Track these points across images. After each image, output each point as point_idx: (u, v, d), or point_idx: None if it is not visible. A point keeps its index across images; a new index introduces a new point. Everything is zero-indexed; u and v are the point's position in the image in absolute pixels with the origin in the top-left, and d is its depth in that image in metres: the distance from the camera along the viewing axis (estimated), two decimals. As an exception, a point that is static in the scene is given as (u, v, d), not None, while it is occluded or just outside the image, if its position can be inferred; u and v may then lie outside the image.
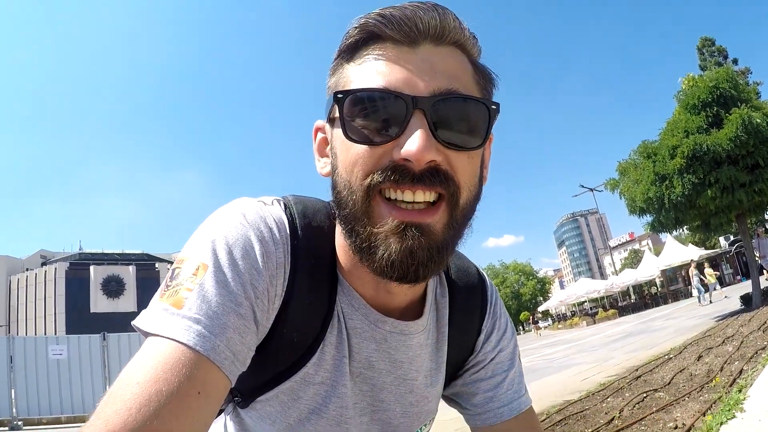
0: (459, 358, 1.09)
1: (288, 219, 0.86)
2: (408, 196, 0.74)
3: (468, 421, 1.12)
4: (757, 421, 3.57)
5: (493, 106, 0.79)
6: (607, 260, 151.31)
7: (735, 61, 44.30)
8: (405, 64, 0.75)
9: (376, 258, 0.76)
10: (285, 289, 0.82)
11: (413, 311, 0.98)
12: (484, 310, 1.10)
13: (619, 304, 41.95)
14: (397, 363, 0.96)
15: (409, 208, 0.75)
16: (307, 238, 0.86)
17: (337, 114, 0.78)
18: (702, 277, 21.43)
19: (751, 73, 43.66)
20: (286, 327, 0.83)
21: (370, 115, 0.74)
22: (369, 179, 0.75)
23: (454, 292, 1.06)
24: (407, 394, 0.99)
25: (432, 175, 0.74)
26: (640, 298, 41.77)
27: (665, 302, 35.32)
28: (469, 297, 1.07)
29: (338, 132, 0.78)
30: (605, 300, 45.67)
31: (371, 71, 0.76)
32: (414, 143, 0.71)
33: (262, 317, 0.77)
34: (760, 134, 12.20)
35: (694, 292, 22.25)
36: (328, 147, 0.86)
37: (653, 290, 43.95)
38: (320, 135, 0.92)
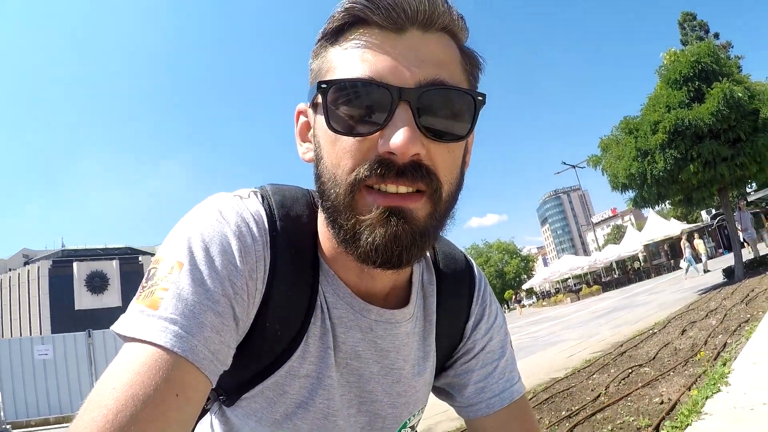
0: (448, 346, 1.08)
1: (266, 210, 0.85)
2: (391, 188, 0.74)
3: (460, 413, 1.11)
4: (742, 394, 3.62)
5: (480, 97, 0.78)
6: (590, 236, 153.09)
7: (716, 36, 44.72)
8: (391, 51, 0.74)
9: (360, 244, 0.75)
10: (266, 283, 0.81)
11: (400, 299, 0.97)
12: (472, 296, 1.09)
13: (603, 280, 42.60)
14: (383, 352, 0.95)
15: (390, 192, 0.75)
16: (287, 229, 0.86)
17: (320, 101, 0.76)
18: (693, 249, 21.97)
19: (732, 47, 44.17)
20: (268, 321, 0.83)
21: (354, 105, 0.74)
22: (355, 173, 0.74)
23: (441, 278, 1.05)
24: (394, 383, 0.98)
25: (415, 169, 0.73)
26: (624, 273, 42.44)
27: (648, 277, 35.93)
28: (456, 283, 1.07)
29: (321, 120, 0.77)
30: (589, 276, 46.32)
31: (356, 58, 0.75)
32: (399, 136, 0.70)
33: (242, 314, 0.77)
34: (741, 108, 12.38)
35: (683, 264, 22.71)
36: (311, 132, 0.85)
37: (636, 265, 44.64)
38: (302, 119, 0.90)
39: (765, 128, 12.56)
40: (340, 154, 0.75)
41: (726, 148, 12.65)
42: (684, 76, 13.49)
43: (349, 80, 0.73)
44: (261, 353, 0.85)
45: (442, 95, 0.75)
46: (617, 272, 45.29)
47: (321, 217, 0.88)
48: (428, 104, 0.74)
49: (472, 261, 1.15)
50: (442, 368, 1.10)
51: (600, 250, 48.76)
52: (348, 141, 0.74)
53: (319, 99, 0.76)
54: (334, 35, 0.79)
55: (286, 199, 0.90)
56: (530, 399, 5.67)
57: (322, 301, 0.89)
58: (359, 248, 0.76)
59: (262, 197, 0.88)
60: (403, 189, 0.74)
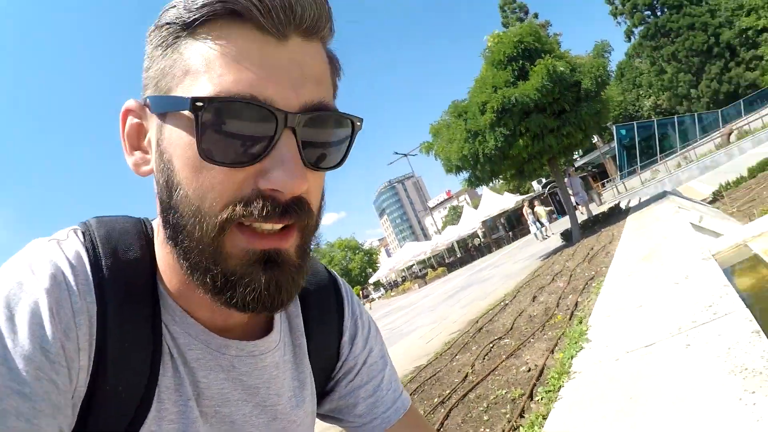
0: (325, 368, 1.02)
1: (88, 250, 0.73)
2: (267, 226, 0.67)
3: None
4: (604, 347, 3.86)
5: (358, 123, 0.74)
6: (428, 221, 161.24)
7: (536, 16, 50.26)
8: (274, 64, 0.65)
9: (236, 294, 0.68)
10: (94, 338, 0.69)
11: (261, 327, 0.90)
12: (341, 310, 1.04)
13: (447, 261, 44.93)
14: (252, 389, 0.85)
15: (265, 232, 0.68)
16: (115, 268, 0.74)
17: (182, 112, 0.65)
18: (535, 216, 24.38)
19: (551, 25, 49.49)
20: (108, 382, 0.70)
21: (231, 128, 0.64)
22: (228, 211, 0.65)
23: (305, 296, 1.00)
24: (271, 422, 0.89)
25: (297, 206, 0.68)
26: (466, 252, 45.13)
27: (490, 251, 38.58)
28: (322, 299, 1.02)
29: (182, 138, 0.66)
30: (432, 259, 48.64)
31: (231, 66, 0.63)
32: (288, 172, 0.64)
33: (65, 384, 0.64)
34: (564, 81, 13.79)
35: (533, 229, 25.39)
36: (146, 139, 0.74)
37: (477, 242, 47.53)
38: (132, 120, 0.76)
39: (587, 98, 14.19)
40: (207, 185, 0.65)
41: (552, 120, 14.02)
42: (508, 56, 14.66)
43: (231, 99, 0.62)
44: (108, 421, 0.72)
45: (325, 121, 0.70)
46: (459, 252, 47.89)
47: (163, 250, 0.77)
48: (311, 131, 0.68)
49: (335, 273, 1.09)
50: (323, 392, 1.04)
51: (440, 233, 51.64)
52: (219, 170, 0.65)
53: (182, 112, 0.65)
54: (197, 27, 0.66)
55: (113, 231, 0.78)
56: (398, 391, 5.69)
57: (170, 345, 0.77)
58: (234, 298, 0.69)
59: (84, 234, 0.75)
60: (278, 226, 0.68)
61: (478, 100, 14.48)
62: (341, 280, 1.09)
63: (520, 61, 14.50)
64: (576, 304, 6.29)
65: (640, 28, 63.69)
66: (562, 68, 13.69)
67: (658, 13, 62.45)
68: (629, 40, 66.90)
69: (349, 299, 1.06)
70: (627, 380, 3.01)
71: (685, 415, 2.30)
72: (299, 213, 0.68)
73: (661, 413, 2.43)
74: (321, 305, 1.01)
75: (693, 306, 3.65)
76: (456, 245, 48.21)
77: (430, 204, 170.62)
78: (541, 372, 4.28)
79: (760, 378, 2.29)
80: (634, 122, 47.15)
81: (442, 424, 4.10)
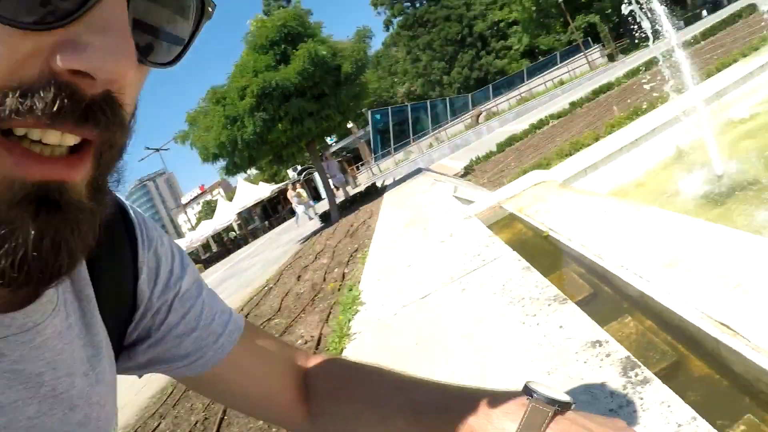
0: (125, 317, 0.77)
1: None
2: (53, 137, 0.42)
3: (185, 374, 0.84)
4: (380, 306, 3.90)
5: (210, 8, 0.52)
6: (182, 218, 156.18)
7: (299, 3, 52.58)
8: None
9: None
10: None
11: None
12: (133, 241, 0.77)
13: (203, 258, 43.93)
14: (32, 379, 0.56)
15: (46, 153, 0.42)
16: None
17: None
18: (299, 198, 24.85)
19: (312, 14, 51.77)
20: None
21: None
22: None
23: None
24: (68, 414, 0.60)
25: (106, 107, 0.43)
26: (222, 246, 44.48)
27: (246, 243, 38.44)
28: (106, 232, 0.68)
29: None
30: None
31: None
32: (111, 46, 0.40)
33: None
34: (325, 65, 14.39)
35: (300, 210, 25.63)
36: None
37: (232, 235, 47.12)
38: None
39: (347, 81, 14.91)
40: None
41: (312, 104, 14.49)
42: (271, 40, 14.81)
43: None
44: None
45: None
46: (215, 247, 47.18)
47: None
48: (146, 5, 0.46)
49: (121, 198, 0.81)
50: (130, 344, 0.80)
51: (194, 229, 50.30)
52: None
53: None
54: None
55: None
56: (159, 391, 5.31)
57: None
58: None
59: None
60: (69, 138, 0.43)
61: (238, 85, 14.40)
62: (129, 205, 0.81)
63: (283, 45, 14.73)
64: (344, 276, 6.36)
65: (399, 18, 68.78)
66: (324, 52, 14.21)
67: (417, 5, 67.92)
68: (388, 29, 71.88)
69: (143, 226, 0.81)
70: (409, 329, 3.04)
71: (475, 344, 2.35)
72: (109, 119, 0.44)
73: (452, 347, 2.46)
74: (107, 241, 0.71)
75: (462, 257, 3.83)
76: (211, 240, 47.43)
77: (183, 200, 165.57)
78: (319, 341, 4.24)
79: (537, 303, 2.42)
80: (389, 107, 50.27)
81: (224, 414, 3.88)
